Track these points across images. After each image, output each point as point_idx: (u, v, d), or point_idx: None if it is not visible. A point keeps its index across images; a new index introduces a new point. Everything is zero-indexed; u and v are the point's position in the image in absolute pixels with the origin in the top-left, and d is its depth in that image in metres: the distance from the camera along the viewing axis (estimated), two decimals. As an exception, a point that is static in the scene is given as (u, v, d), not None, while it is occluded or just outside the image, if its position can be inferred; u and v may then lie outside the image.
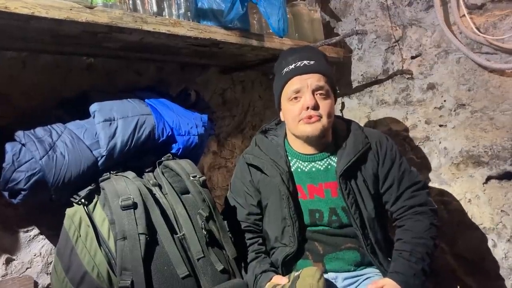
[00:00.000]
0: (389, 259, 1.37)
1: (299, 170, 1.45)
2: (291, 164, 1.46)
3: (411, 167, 1.45)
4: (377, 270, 1.39)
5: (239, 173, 1.54)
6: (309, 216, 1.41)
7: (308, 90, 1.35)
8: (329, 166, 1.42)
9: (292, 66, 1.38)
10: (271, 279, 1.32)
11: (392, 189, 1.41)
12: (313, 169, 1.43)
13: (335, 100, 1.45)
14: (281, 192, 1.40)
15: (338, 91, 2.27)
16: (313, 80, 1.35)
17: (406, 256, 1.30)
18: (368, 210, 1.38)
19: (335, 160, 1.42)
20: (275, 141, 1.51)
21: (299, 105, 1.36)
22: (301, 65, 1.37)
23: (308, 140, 1.41)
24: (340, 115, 2.26)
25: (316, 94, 1.36)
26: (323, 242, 1.41)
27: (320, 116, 1.35)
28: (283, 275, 1.35)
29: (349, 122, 1.52)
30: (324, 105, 1.36)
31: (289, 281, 1.22)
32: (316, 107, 1.34)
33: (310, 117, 1.34)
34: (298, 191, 1.43)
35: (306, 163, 1.45)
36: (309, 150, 1.44)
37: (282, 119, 1.48)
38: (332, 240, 1.41)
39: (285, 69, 1.40)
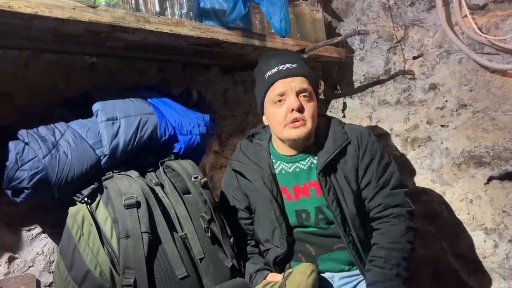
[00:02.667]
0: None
1: (283, 172, 1.46)
2: (275, 167, 1.47)
3: (390, 164, 1.43)
4: None
5: (227, 179, 1.57)
6: (296, 217, 1.43)
7: (292, 93, 1.35)
8: (311, 165, 1.43)
9: (275, 70, 1.38)
10: (265, 277, 1.34)
11: (370, 186, 1.40)
12: (297, 169, 1.44)
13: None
14: (265, 195, 1.42)
15: (340, 91, 2.28)
16: (297, 82, 1.36)
17: (380, 263, 1.30)
18: (349, 207, 1.37)
19: (317, 159, 1.42)
20: (260, 145, 1.52)
21: (284, 108, 1.36)
22: (284, 68, 1.37)
23: (294, 143, 1.42)
24: (342, 115, 2.26)
25: (300, 97, 1.36)
26: (314, 244, 1.42)
27: (305, 120, 1.36)
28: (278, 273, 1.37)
29: (330, 119, 1.53)
30: (308, 107, 1.37)
31: (283, 278, 1.23)
32: (301, 109, 1.35)
33: (295, 119, 1.35)
34: (283, 193, 1.45)
35: (290, 164, 1.46)
36: (292, 151, 1.45)
37: (266, 123, 1.49)
38: (323, 241, 1.41)
39: (267, 73, 1.40)
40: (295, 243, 1.44)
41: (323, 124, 1.48)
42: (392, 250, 1.31)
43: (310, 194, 1.42)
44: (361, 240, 1.37)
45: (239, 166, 1.50)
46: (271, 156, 1.48)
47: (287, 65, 1.38)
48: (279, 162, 1.47)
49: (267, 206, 1.42)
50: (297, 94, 1.36)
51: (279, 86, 1.37)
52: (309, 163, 1.43)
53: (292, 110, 1.34)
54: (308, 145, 1.44)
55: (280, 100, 1.37)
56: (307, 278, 1.15)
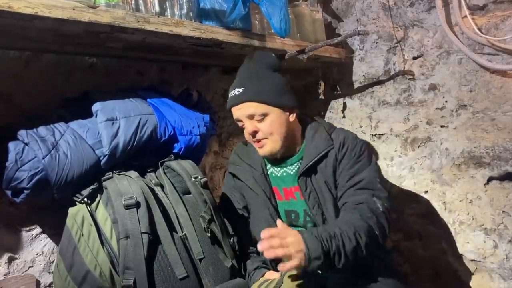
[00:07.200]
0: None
1: (273, 174, 1.50)
2: (267, 167, 1.51)
3: (367, 167, 1.38)
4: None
5: (225, 181, 1.62)
6: (286, 216, 1.46)
7: (245, 119, 1.39)
8: (298, 170, 1.44)
9: (229, 96, 1.42)
10: (263, 274, 1.35)
11: (340, 186, 1.39)
12: (284, 173, 1.47)
13: (290, 105, 1.41)
14: (258, 194, 1.45)
15: (339, 92, 2.27)
16: (244, 110, 1.38)
17: (327, 226, 1.22)
18: (329, 210, 1.38)
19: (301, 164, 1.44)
20: (254, 149, 1.53)
21: (246, 131, 1.41)
22: (233, 95, 1.39)
23: (270, 157, 1.45)
24: (342, 115, 2.26)
25: (254, 120, 1.38)
26: None
27: (265, 138, 1.39)
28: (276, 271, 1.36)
29: (318, 123, 1.51)
30: (263, 127, 1.38)
31: (281, 276, 1.24)
32: (256, 132, 1.38)
33: (257, 141, 1.40)
34: (275, 193, 1.48)
35: (279, 168, 1.48)
36: (277, 160, 1.47)
37: None
38: None
39: (228, 97, 1.44)
40: None
41: (312, 128, 1.48)
42: (344, 224, 1.22)
43: (296, 197, 1.44)
44: None
45: (233, 168, 1.56)
46: (264, 158, 1.51)
47: (235, 91, 1.39)
48: (270, 165, 1.51)
49: (261, 205, 1.45)
50: (249, 118, 1.38)
51: (234, 113, 1.42)
52: (296, 168, 1.45)
53: (250, 134, 1.40)
54: (293, 150, 1.46)
55: (241, 124, 1.42)
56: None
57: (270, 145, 1.39)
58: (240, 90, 1.38)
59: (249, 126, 1.38)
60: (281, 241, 1.10)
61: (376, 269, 1.34)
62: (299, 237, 1.13)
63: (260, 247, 1.10)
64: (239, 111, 1.39)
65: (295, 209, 1.45)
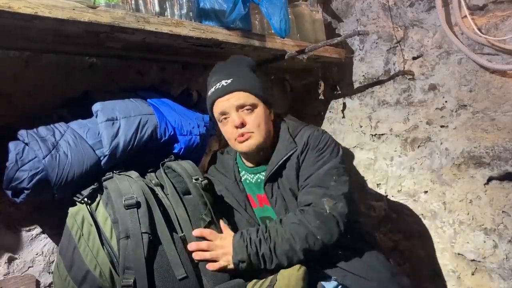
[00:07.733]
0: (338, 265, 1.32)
1: (247, 181, 1.48)
2: (241, 175, 1.50)
3: (326, 165, 1.34)
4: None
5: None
6: (262, 223, 1.44)
7: (232, 110, 1.35)
8: None
9: (213, 89, 1.38)
10: None
11: (299, 186, 1.36)
12: (259, 180, 1.46)
13: (270, 103, 1.43)
14: (231, 203, 1.45)
15: (339, 92, 2.28)
16: (234, 99, 1.34)
17: (269, 226, 1.26)
18: None
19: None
20: (228, 155, 1.55)
21: (229, 124, 1.36)
22: (220, 86, 1.35)
23: (247, 156, 1.45)
24: (342, 115, 2.26)
25: (242, 111, 1.35)
26: None
27: (251, 132, 1.35)
28: None
29: (286, 124, 1.46)
30: (251, 119, 1.35)
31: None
32: (243, 125, 1.35)
33: (241, 135, 1.35)
34: (250, 200, 1.48)
35: (253, 174, 1.47)
36: (254, 162, 1.46)
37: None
38: None
39: (208, 93, 1.41)
40: None
41: (280, 129, 1.45)
42: (271, 228, 1.26)
43: (270, 203, 1.44)
44: None
45: (210, 179, 1.51)
46: (238, 165, 1.51)
47: (222, 82, 1.35)
48: (244, 172, 1.50)
49: (236, 214, 1.45)
50: (237, 109, 1.35)
51: (219, 106, 1.37)
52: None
53: (236, 127, 1.35)
54: (267, 155, 1.42)
55: (225, 118, 1.37)
56: (297, 271, 1.19)
57: (255, 138, 1.35)
58: (228, 81, 1.35)
59: (236, 118, 1.34)
60: (208, 244, 1.21)
61: (356, 250, 1.35)
62: (229, 239, 1.24)
63: (189, 247, 1.19)
64: (227, 102, 1.35)
65: (270, 215, 1.43)
